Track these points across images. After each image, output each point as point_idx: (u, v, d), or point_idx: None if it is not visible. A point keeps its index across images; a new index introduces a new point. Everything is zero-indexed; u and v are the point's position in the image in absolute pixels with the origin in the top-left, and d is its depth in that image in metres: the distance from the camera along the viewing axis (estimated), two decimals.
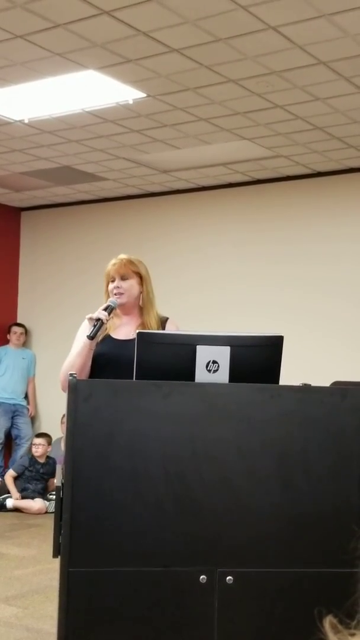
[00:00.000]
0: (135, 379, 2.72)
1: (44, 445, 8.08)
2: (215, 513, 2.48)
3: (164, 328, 3.50)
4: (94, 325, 3.30)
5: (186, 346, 2.67)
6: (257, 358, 2.78)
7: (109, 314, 3.37)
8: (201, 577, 2.46)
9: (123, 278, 3.52)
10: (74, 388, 2.46)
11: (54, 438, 8.30)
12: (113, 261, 3.57)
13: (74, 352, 3.43)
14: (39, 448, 8.06)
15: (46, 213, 9.33)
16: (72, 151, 6.97)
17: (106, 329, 3.45)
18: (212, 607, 2.46)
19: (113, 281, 3.54)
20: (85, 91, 5.52)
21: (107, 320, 3.37)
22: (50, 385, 8.80)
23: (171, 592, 2.46)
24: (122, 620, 2.45)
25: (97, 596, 2.44)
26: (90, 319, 3.35)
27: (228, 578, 2.47)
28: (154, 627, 2.46)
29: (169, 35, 4.56)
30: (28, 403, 9.05)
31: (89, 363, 3.40)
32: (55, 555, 2.48)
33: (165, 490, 2.46)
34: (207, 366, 2.65)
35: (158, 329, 3.46)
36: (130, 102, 5.63)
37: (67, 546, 2.41)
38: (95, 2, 4.20)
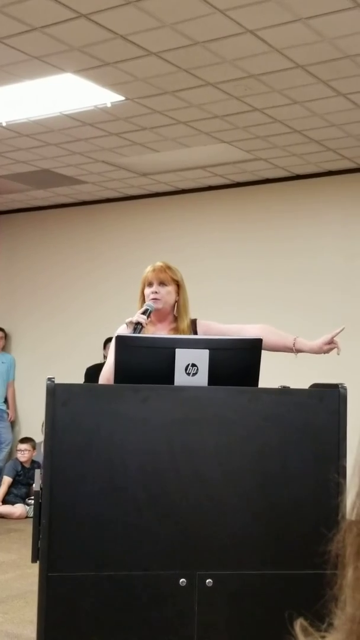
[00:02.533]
0: (115, 382, 2.72)
1: (29, 450, 8.05)
2: (194, 516, 2.48)
3: (194, 330, 3.45)
4: (135, 329, 3.27)
5: (165, 349, 2.67)
6: (236, 361, 2.79)
7: (148, 317, 3.34)
8: (181, 580, 2.46)
9: (161, 284, 3.48)
10: (52, 392, 2.45)
11: (36, 441, 8.27)
12: (151, 267, 3.52)
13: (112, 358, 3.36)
14: (25, 453, 8.03)
15: (25, 216, 9.30)
16: (50, 154, 6.95)
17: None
18: (192, 609, 2.46)
19: (150, 285, 3.49)
20: (63, 94, 5.51)
21: (147, 324, 3.34)
22: (30, 389, 8.77)
23: (151, 596, 2.46)
24: (102, 625, 2.44)
25: (76, 601, 2.43)
26: (130, 322, 3.31)
27: (207, 581, 2.47)
28: (134, 631, 2.45)
29: (147, 39, 4.56)
30: (8, 407, 9.00)
31: None
32: (34, 560, 2.47)
33: (144, 494, 2.46)
34: (186, 369, 2.65)
35: (189, 334, 3.42)
36: (109, 105, 5.63)
37: (46, 551, 2.40)
38: (72, 6, 4.19)
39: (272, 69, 4.94)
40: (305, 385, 2.84)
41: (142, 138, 6.41)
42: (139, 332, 3.24)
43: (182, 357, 2.65)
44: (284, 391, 2.70)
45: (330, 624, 0.54)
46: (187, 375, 2.64)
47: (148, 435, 2.49)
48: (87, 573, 2.43)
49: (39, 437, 8.23)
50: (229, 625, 2.50)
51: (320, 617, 0.61)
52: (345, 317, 7.05)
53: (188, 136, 6.33)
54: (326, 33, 4.42)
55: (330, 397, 2.59)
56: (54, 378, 2.50)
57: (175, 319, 3.51)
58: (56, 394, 2.46)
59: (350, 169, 7.16)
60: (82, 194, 8.48)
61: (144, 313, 3.32)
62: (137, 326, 3.26)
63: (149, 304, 3.39)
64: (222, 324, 3.51)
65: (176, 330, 3.45)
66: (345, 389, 2.60)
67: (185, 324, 3.46)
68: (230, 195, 7.89)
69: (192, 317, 3.53)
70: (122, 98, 5.51)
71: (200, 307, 7.67)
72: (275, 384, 2.80)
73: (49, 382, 2.47)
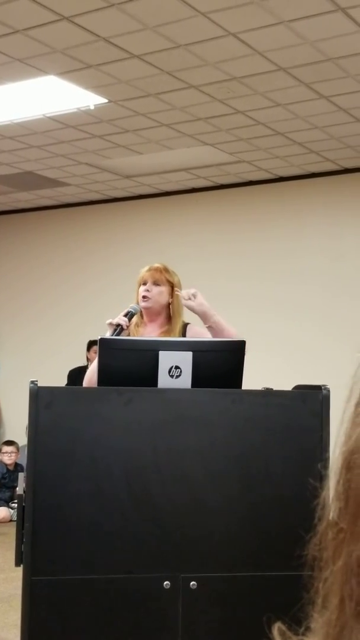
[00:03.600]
0: (98, 385, 2.72)
1: (15, 453, 8.04)
2: (178, 518, 2.48)
3: (184, 334, 3.45)
4: (114, 330, 3.26)
5: (149, 352, 2.67)
6: (220, 363, 2.79)
7: (129, 319, 3.33)
8: (165, 582, 2.46)
9: (155, 283, 3.47)
10: (35, 395, 2.45)
11: (19, 445, 8.24)
12: (148, 266, 3.52)
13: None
14: (12, 456, 8.00)
15: (8, 219, 9.27)
16: (33, 157, 6.94)
17: (128, 334, 3.39)
18: (176, 612, 2.46)
19: (144, 284, 3.48)
20: (46, 97, 5.50)
21: (128, 326, 3.32)
22: (14, 391, 8.73)
23: (135, 599, 2.46)
24: (86, 628, 2.44)
25: (60, 604, 2.42)
26: (110, 324, 3.30)
27: (192, 583, 2.47)
28: (118, 634, 2.45)
29: (129, 41, 4.56)
30: None
31: None
32: (17, 564, 2.46)
33: (128, 497, 2.46)
34: (169, 372, 2.65)
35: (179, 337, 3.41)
36: (92, 107, 5.62)
37: (29, 555, 2.39)
38: (55, 8, 4.19)
39: (255, 72, 4.95)
40: (288, 386, 2.84)
41: (125, 140, 6.41)
42: (119, 334, 3.24)
43: (166, 359, 2.65)
44: (267, 393, 2.71)
45: (308, 628, 0.54)
46: (170, 378, 2.64)
47: (131, 437, 2.49)
48: (70, 576, 2.42)
49: (23, 440, 8.20)
50: (213, 628, 2.50)
51: (301, 620, 0.62)
52: (330, 318, 7.08)
53: (171, 138, 6.33)
54: (308, 36, 4.43)
55: (313, 398, 2.60)
56: (36, 381, 2.49)
57: (168, 321, 3.50)
58: (39, 396, 2.45)
59: (334, 171, 7.19)
60: (66, 196, 8.46)
61: (125, 315, 3.31)
62: (117, 328, 3.26)
63: (133, 306, 3.39)
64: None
65: (167, 333, 3.44)
66: (328, 390, 2.61)
67: (177, 327, 3.46)
68: (214, 197, 7.90)
69: (186, 320, 3.52)
70: (105, 100, 5.51)
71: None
72: (258, 386, 2.81)
73: (31, 385, 2.46)
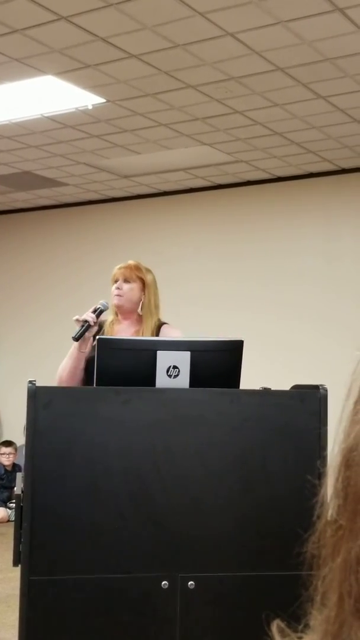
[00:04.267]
0: (96, 385, 2.72)
1: (13, 453, 8.04)
2: (176, 518, 2.48)
3: (157, 333, 3.46)
4: (81, 327, 3.28)
5: (146, 352, 2.67)
6: (218, 363, 2.79)
7: (98, 316, 3.34)
8: (163, 582, 2.45)
9: (126, 281, 3.50)
10: (33, 395, 2.44)
11: (17, 445, 8.24)
12: (121, 264, 3.56)
13: (67, 359, 3.40)
14: (10, 457, 8.01)
15: (6, 219, 9.27)
16: (31, 156, 6.93)
17: (99, 331, 3.40)
18: (174, 612, 2.46)
19: (116, 282, 3.52)
20: (44, 96, 5.50)
21: (95, 323, 3.34)
22: (13, 391, 8.73)
23: (133, 598, 2.45)
24: (84, 628, 2.44)
25: (58, 604, 2.42)
26: (77, 320, 3.32)
27: (190, 583, 2.47)
28: (116, 634, 2.45)
29: (127, 41, 4.56)
30: None
31: (81, 365, 3.36)
32: (15, 564, 2.46)
33: (126, 497, 2.45)
34: (167, 371, 2.65)
35: (152, 336, 3.43)
36: (90, 107, 5.63)
37: (27, 554, 2.39)
38: (53, 8, 4.19)
39: (253, 72, 4.95)
40: (286, 386, 2.84)
41: (124, 140, 6.41)
42: (86, 331, 3.26)
43: (164, 359, 2.65)
44: (265, 392, 2.71)
45: (307, 625, 0.54)
46: (168, 377, 2.64)
47: (129, 437, 2.49)
48: (68, 576, 2.42)
49: (21, 440, 8.19)
50: (211, 628, 2.50)
51: (301, 618, 0.62)
52: (327, 318, 7.08)
53: (169, 138, 6.33)
54: (306, 36, 4.44)
55: (311, 398, 2.60)
56: (35, 381, 2.49)
57: (141, 317, 3.52)
58: (37, 396, 2.45)
59: (331, 171, 7.20)
60: (64, 196, 8.46)
61: (94, 312, 3.33)
62: (85, 324, 3.27)
63: (102, 302, 3.42)
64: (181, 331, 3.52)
65: (138, 332, 3.45)
66: (325, 390, 2.61)
67: (149, 325, 3.46)
68: (211, 197, 7.90)
69: (172, 320, 3.53)
70: (103, 100, 5.51)
71: (181, 308, 7.71)
72: (256, 386, 2.81)
73: (29, 384, 2.46)
